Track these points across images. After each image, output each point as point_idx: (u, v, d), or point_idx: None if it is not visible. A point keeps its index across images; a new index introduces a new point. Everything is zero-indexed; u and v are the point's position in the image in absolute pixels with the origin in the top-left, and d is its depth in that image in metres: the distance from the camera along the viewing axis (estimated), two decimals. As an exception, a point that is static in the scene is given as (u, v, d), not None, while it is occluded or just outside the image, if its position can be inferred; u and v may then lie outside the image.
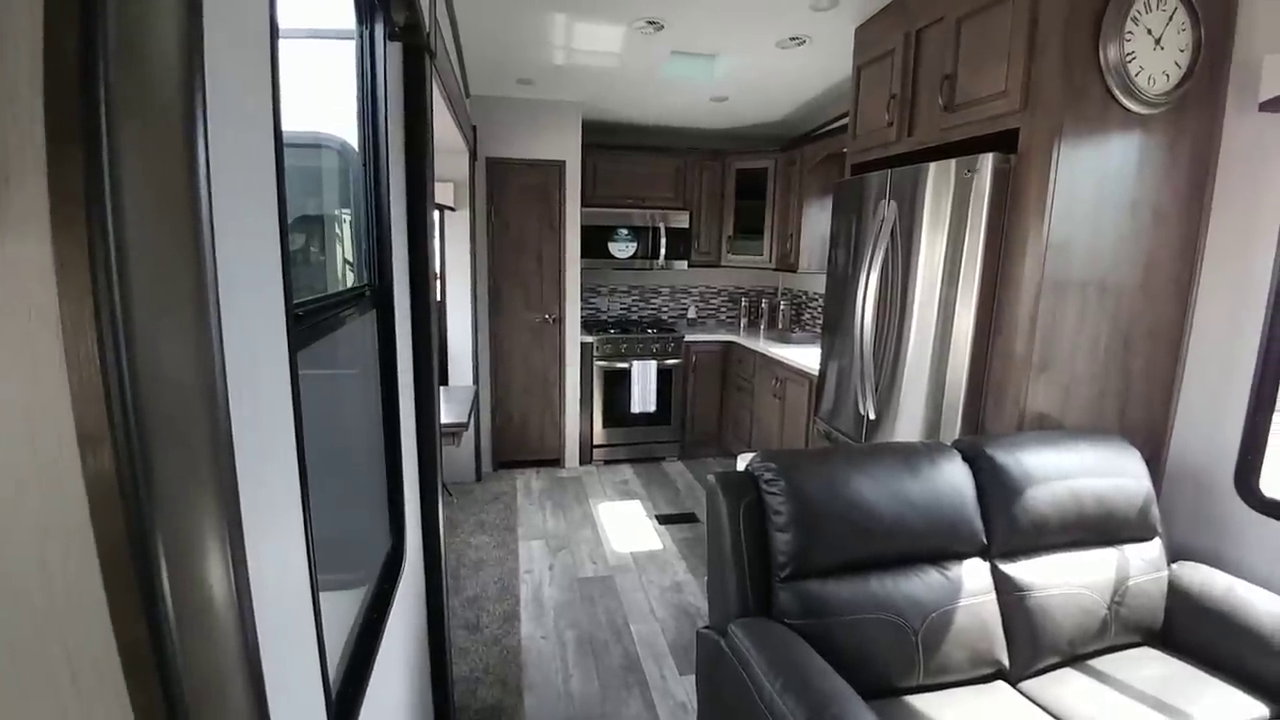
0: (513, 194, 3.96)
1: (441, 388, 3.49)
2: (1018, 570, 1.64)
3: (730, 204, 4.53)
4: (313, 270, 1.42)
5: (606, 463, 4.42)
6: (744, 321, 4.87)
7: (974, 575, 1.60)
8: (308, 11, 1.34)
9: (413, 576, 1.70)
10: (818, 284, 4.18)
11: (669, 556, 3.09)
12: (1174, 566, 1.80)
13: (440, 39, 2.00)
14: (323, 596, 1.17)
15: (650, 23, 2.69)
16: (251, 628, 0.50)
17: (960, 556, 1.62)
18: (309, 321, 1.00)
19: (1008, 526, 1.64)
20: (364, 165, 1.40)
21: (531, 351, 4.16)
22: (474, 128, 3.69)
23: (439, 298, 3.79)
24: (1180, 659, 1.67)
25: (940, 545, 1.60)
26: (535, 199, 4.00)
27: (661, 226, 4.39)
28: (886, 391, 2.38)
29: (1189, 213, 1.97)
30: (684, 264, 4.52)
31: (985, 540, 1.64)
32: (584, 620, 2.56)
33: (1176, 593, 1.75)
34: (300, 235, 1.44)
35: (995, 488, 1.66)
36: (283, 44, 0.75)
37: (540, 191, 4.00)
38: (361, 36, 1.40)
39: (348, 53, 1.39)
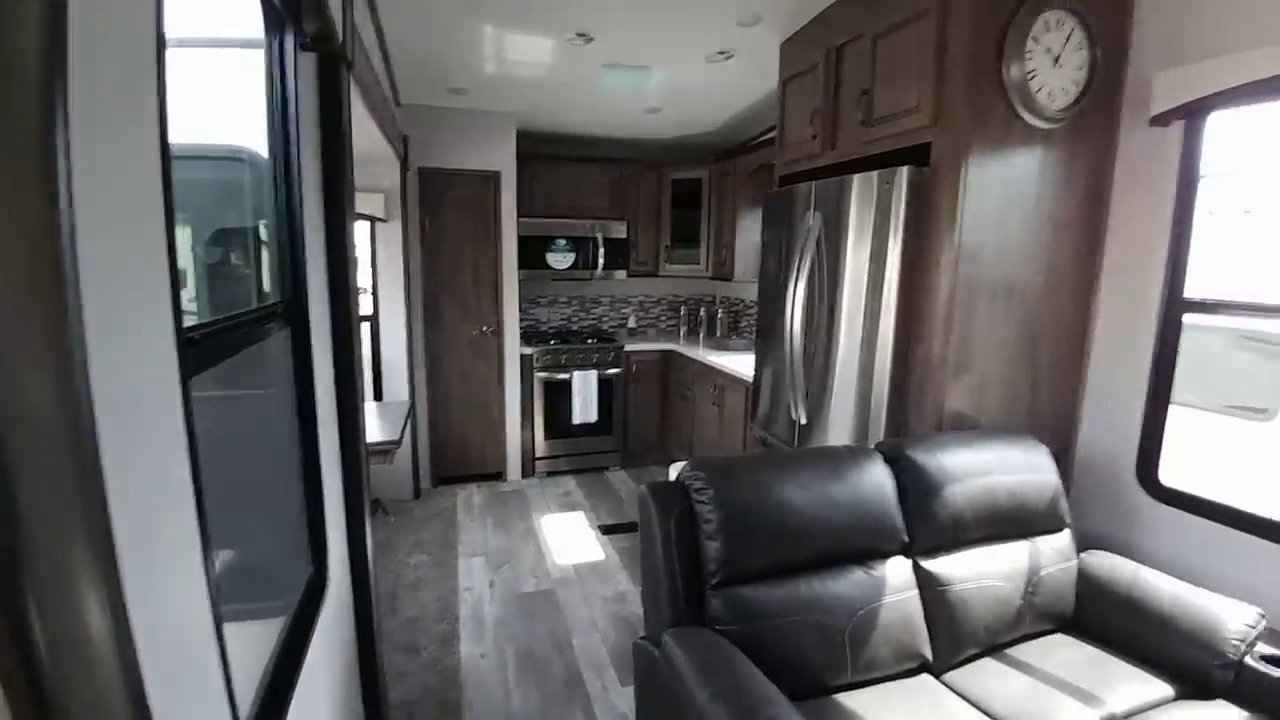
0: (447, 204, 3.89)
1: (375, 404, 3.39)
2: (938, 566, 1.71)
3: (667, 214, 4.59)
4: (237, 286, 1.35)
5: (549, 474, 4.38)
6: (683, 330, 4.93)
7: (897, 573, 1.66)
8: (215, 21, 1.29)
9: (338, 602, 1.63)
10: (753, 292, 4.26)
11: (611, 567, 3.08)
12: (1083, 555, 1.91)
13: (361, 48, 1.95)
14: (233, 627, 1.11)
15: (580, 35, 2.70)
16: (132, 660, 0.50)
17: (884, 555, 1.68)
18: (207, 345, 0.95)
19: (927, 524, 1.71)
20: (274, 178, 1.35)
21: (470, 364, 4.08)
22: (405, 137, 3.61)
23: (371, 311, 3.68)
24: (1091, 644, 1.76)
25: (865, 545, 1.65)
26: (471, 209, 3.94)
27: (599, 236, 4.40)
28: (817, 397, 2.45)
29: (1089, 221, 2.11)
30: (623, 274, 4.54)
31: (907, 538, 1.70)
32: (525, 636, 2.52)
33: (1086, 581, 1.86)
34: (219, 249, 1.37)
35: (915, 488, 1.72)
36: (187, 54, 0.72)
37: (476, 202, 3.94)
38: (270, 46, 1.35)
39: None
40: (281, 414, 1.37)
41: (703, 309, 4.90)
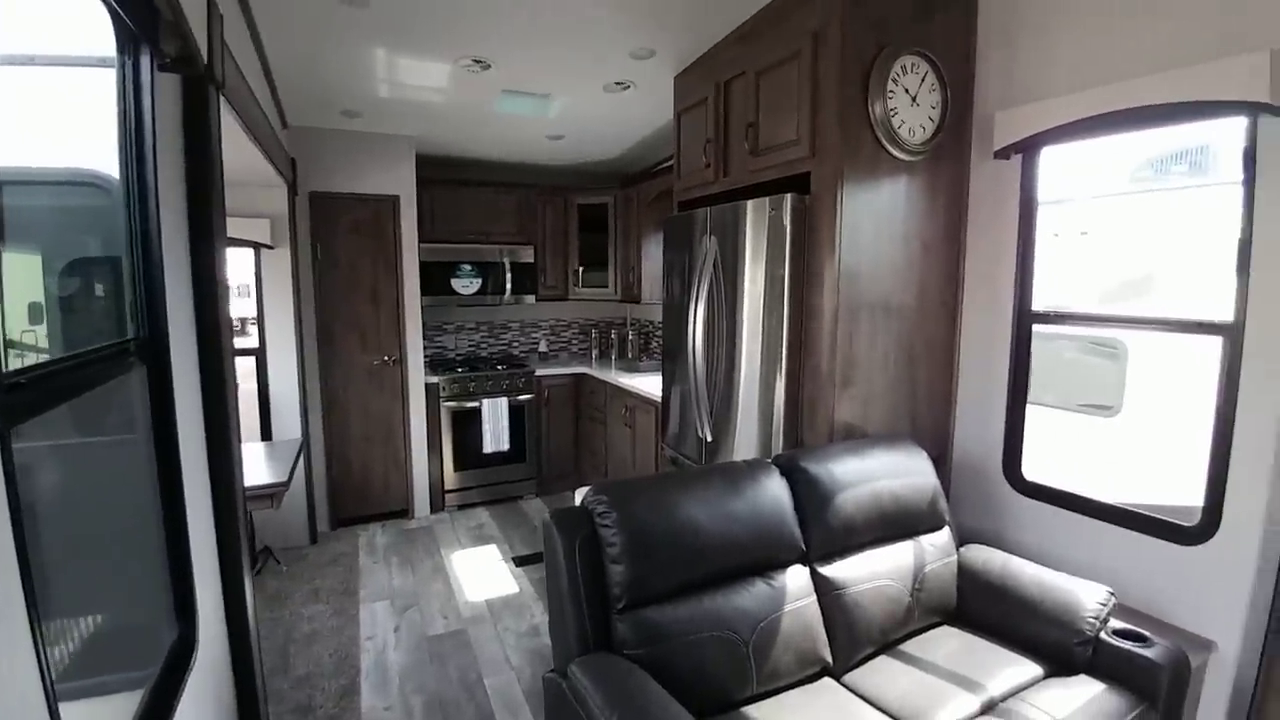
0: (342, 230, 3.73)
1: (262, 445, 3.16)
2: (833, 570, 1.79)
3: (575, 238, 4.61)
4: (104, 321, 1.23)
5: (460, 508, 4.23)
6: (595, 353, 4.94)
7: (796, 581, 1.72)
8: (70, 40, 1.19)
9: (213, 665, 1.50)
10: (660, 314, 4.36)
11: (526, 599, 3.00)
12: (962, 550, 2.06)
13: (236, 68, 1.85)
14: (80, 705, 1.00)
15: (476, 61, 2.69)
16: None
17: (783, 565, 1.73)
18: (38, 389, 0.87)
19: (822, 531, 1.79)
20: (126, 204, 1.25)
21: (370, 396, 3.90)
22: (293, 160, 3.44)
23: (257, 344, 3.45)
24: (972, 633, 1.89)
25: (765, 556, 1.70)
26: (368, 235, 3.79)
27: (507, 261, 4.35)
28: (722, 414, 2.51)
29: (950, 244, 2.31)
30: (531, 298, 4.51)
31: (804, 546, 1.77)
32: (433, 682, 2.39)
33: (964, 573, 2.00)
34: (75, 280, 1.25)
35: (810, 497, 1.80)
36: (33, 73, 0.67)
37: (373, 227, 3.80)
38: (123, 66, 1.26)
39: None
40: (139, 460, 1.25)
41: (614, 332, 4.94)
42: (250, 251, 3.36)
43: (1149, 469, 2.36)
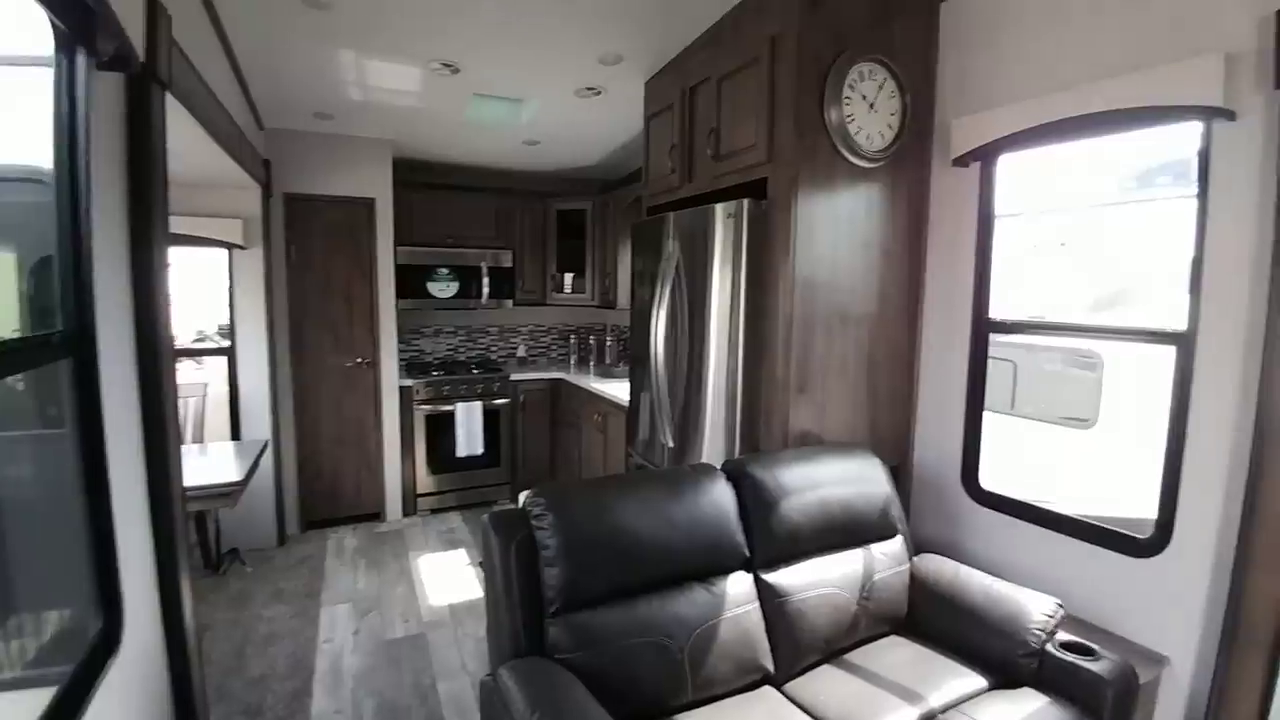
0: (317, 231, 3.73)
1: (231, 444, 3.15)
2: (778, 577, 1.78)
3: (553, 244, 4.62)
4: (33, 310, 1.23)
5: (433, 512, 4.21)
6: (574, 358, 4.94)
7: (738, 586, 1.71)
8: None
9: (143, 662, 1.48)
10: (640, 319, 4.37)
11: (490, 603, 2.98)
12: (915, 559, 2.04)
13: (187, 67, 1.86)
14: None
15: (445, 65, 2.71)
16: None
17: (726, 571, 1.72)
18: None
19: (767, 537, 1.78)
20: (57, 199, 1.25)
21: (344, 398, 3.89)
22: (266, 162, 3.45)
23: (228, 344, 3.44)
24: (921, 643, 1.87)
25: (706, 562, 1.69)
26: (343, 237, 3.80)
27: (484, 266, 4.36)
28: (684, 420, 2.50)
29: (911, 251, 2.31)
30: (509, 303, 4.52)
31: (748, 553, 1.76)
32: (387, 687, 2.37)
33: (916, 583, 1.98)
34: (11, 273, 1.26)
35: (755, 503, 1.79)
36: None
37: (348, 229, 3.81)
38: (59, 65, 1.27)
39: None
40: (65, 454, 1.25)
41: (592, 337, 4.94)
42: (224, 252, 3.36)
43: (1120, 481, 2.35)
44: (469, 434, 4.12)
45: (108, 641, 1.31)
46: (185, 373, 3.54)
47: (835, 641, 1.81)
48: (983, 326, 2.19)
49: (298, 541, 3.68)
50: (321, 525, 3.90)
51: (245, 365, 3.44)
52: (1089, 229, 2.80)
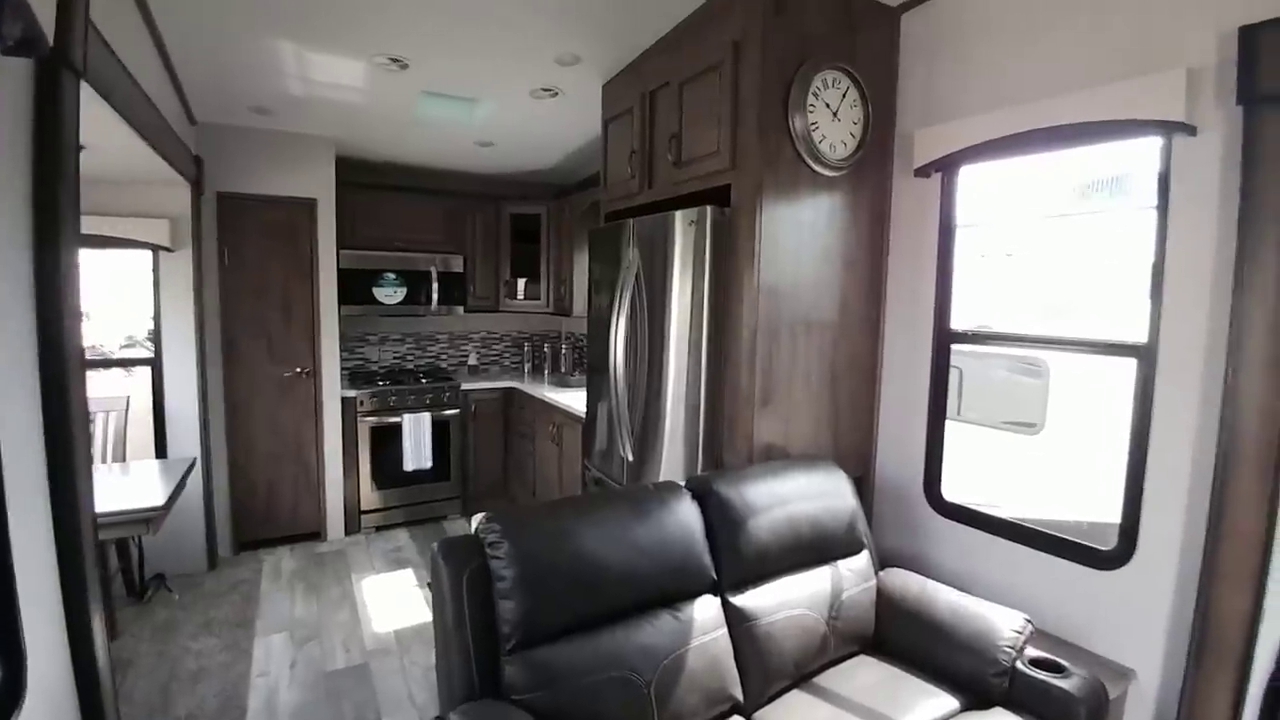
0: (252, 233, 3.49)
1: (156, 462, 2.90)
2: (746, 600, 1.71)
3: (506, 248, 4.48)
4: None
5: (379, 529, 4.00)
6: (528, 367, 4.80)
7: (705, 612, 1.63)
8: None
9: (49, 714, 1.29)
10: (597, 327, 4.28)
11: (440, 628, 2.82)
12: (881, 574, 2.01)
13: (106, 54, 1.67)
14: None
15: (393, 60, 2.56)
16: None
17: (692, 595, 1.64)
18: None
19: (734, 558, 1.71)
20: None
21: (280, 411, 3.65)
22: (197, 158, 3.21)
23: (152, 354, 3.17)
24: (890, 663, 1.83)
25: (673, 587, 1.61)
26: (281, 239, 3.57)
27: (434, 270, 4.18)
28: (644, 433, 2.42)
29: (872, 260, 2.29)
30: (460, 309, 4.35)
31: (715, 575, 1.69)
32: (326, 724, 2.20)
33: (883, 599, 1.94)
34: None
35: (722, 522, 1.72)
36: None
37: (286, 231, 3.58)
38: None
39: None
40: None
41: (546, 345, 4.82)
42: (147, 254, 3.10)
43: (1069, 485, 2.38)
44: (417, 446, 3.93)
45: (11, 693, 1.14)
46: (104, 385, 3.26)
47: (804, 665, 1.75)
48: (944, 337, 2.19)
49: (230, 564, 3.41)
50: (256, 546, 3.64)
51: (171, 376, 3.17)
52: (1035, 240, 2.86)
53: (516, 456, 4.32)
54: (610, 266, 2.63)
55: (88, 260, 3.34)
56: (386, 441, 3.91)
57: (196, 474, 3.15)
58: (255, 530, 3.64)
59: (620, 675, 1.44)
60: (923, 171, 2.14)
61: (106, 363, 3.38)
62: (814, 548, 1.87)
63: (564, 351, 4.61)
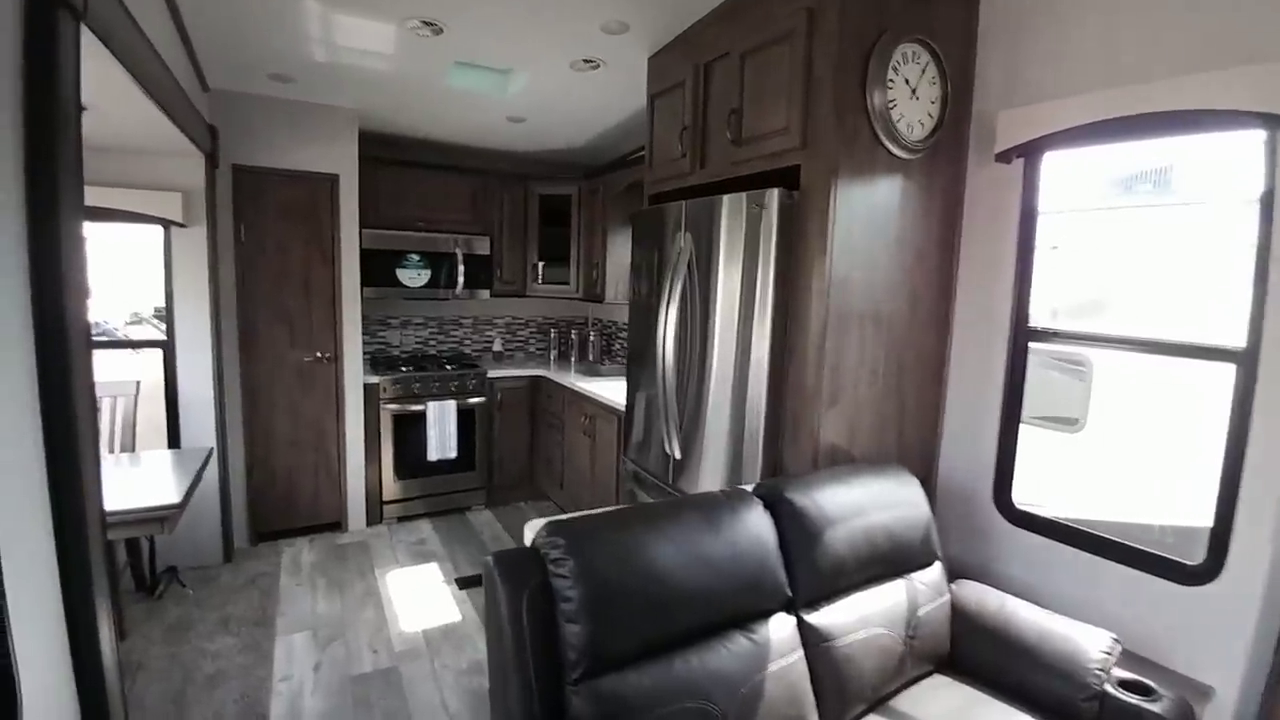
0: (271, 210, 3.33)
1: (170, 452, 2.76)
2: (821, 618, 1.57)
3: (534, 230, 4.31)
4: None
5: (400, 520, 3.87)
6: (554, 354, 4.64)
7: (780, 631, 1.49)
8: None
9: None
10: (625, 314, 4.11)
11: (469, 629, 2.70)
12: (953, 587, 1.87)
13: (117, 5, 1.51)
14: None
15: (426, 24, 2.38)
16: None
17: (766, 614, 1.50)
18: None
19: (810, 573, 1.57)
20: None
21: (300, 397, 3.50)
22: (212, 128, 3.04)
23: (165, 336, 3.02)
24: (968, 683, 1.71)
25: (746, 605, 1.46)
26: (301, 217, 3.40)
27: (459, 253, 4.01)
28: (691, 428, 2.28)
29: (944, 251, 2.13)
30: (486, 293, 4.19)
31: (790, 592, 1.54)
32: (355, 732, 2.08)
33: (958, 615, 1.81)
34: None
35: (796, 534, 1.58)
36: None
37: (307, 208, 3.41)
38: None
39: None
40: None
41: (574, 332, 4.66)
42: (159, 229, 2.94)
43: (1115, 484, 2.30)
44: (441, 435, 3.79)
45: (7, 702, 1.00)
46: (111, 367, 3.12)
47: (881, 688, 1.62)
48: (1023, 334, 2.03)
49: (247, 556, 3.29)
50: (274, 537, 3.51)
51: (185, 360, 3.02)
52: (1080, 233, 2.73)
53: (544, 447, 4.17)
54: (656, 251, 2.46)
55: (91, 232, 3.19)
56: (409, 430, 3.77)
57: (211, 463, 3.02)
58: (273, 520, 3.51)
59: (696, 706, 1.29)
60: (1004, 156, 1.96)
61: (114, 344, 3.23)
62: (889, 560, 1.74)
63: (593, 339, 4.44)
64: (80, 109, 1.21)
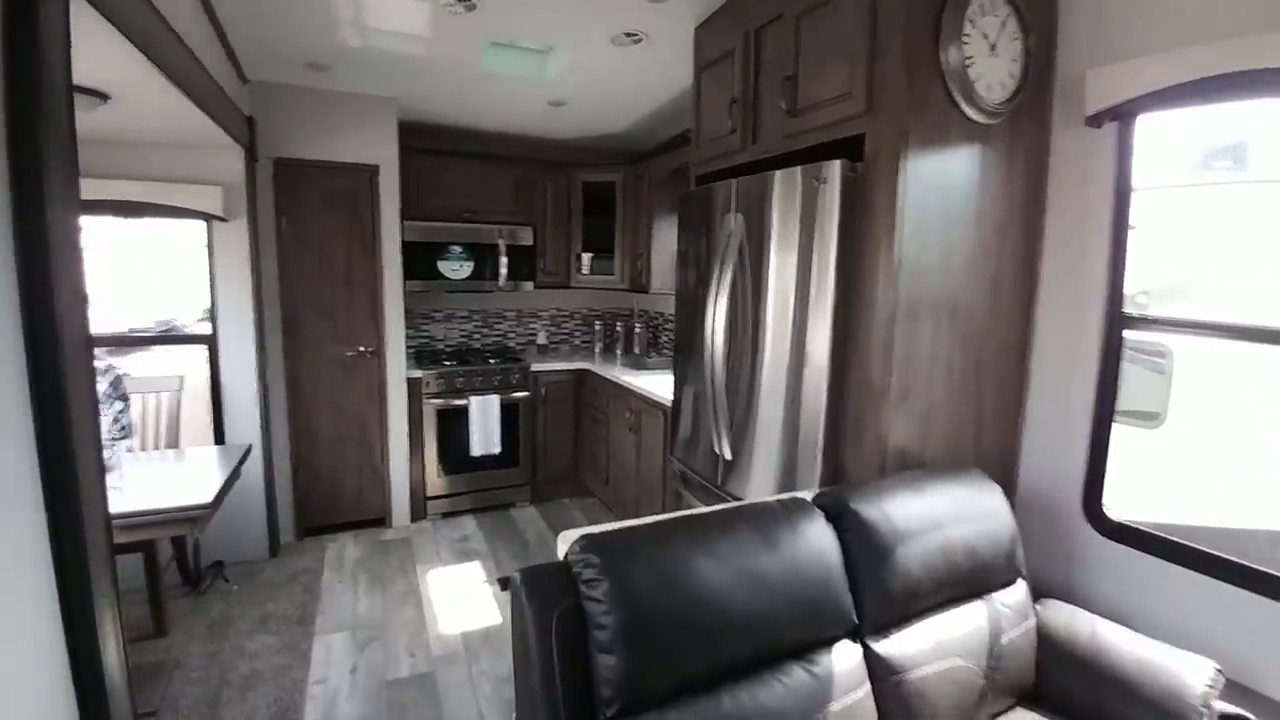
0: (312, 202, 3.30)
1: (214, 449, 2.76)
2: (891, 647, 1.38)
3: (578, 220, 4.18)
4: None
5: (445, 516, 3.82)
6: (599, 347, 4.51)
7: (844, 663, 1.31)
8: None
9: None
10: (672, 305, 3.95)
11: (509, 633, 2.59)
12: (1039, 608, 1.65)
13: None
14: None
15: (459, 0, 2.26)
16: None
17: (828, 643, 1.32)
18: None
19: (879, 596, 1.38)
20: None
21: (343, 392, 3.48)
22: (250, 119, 3.01)
23: (210, 331, 3.03)
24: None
25: (805, 633, 1.29)
26: (342, 209, 3.36)
27: (502, 244, 3.92)
28: (743, 427, 2.10)
29: (1027, 228, 1.88)
30: (530, 285, 4.09)
31: (855, 617, 1.36)
32: (389, 742, 2.00)
33: (1045, 641, 1.59)
34: None
35: (864, 550, 1.39)
36: None
37: (348, 200, 3.37)
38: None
39: None
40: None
41: (619, 324, 4.51)
42: (201, 224, 2.94)
43: (1200, 484, 2.11)
44: (485, 431, 3.72)
45: None
46: (155, 364, 3.15)
47: (960, 728, 1.42)
48: (1117, 322, 1.77)
49: (292, 552, 3.29)
50: (319, 532, 3.51)
51: (229, 355, 3.02)
52: (1160, 211, 2.45)
53: (589, 443, 4.06)
54: (704, 236, 2.29)
55: (151, 228, 3.24)
56: (453, 425, 3.71)
57: (256, 458, 3.02)
58: (319, 516, 3.51)
59: (749, 752, 1.13)
60: (1095, 120, 1.71)
61: (157, 339, 3.25)
62: (968, 580, 1.53)
63: (638, 331, 4.29)
64: (71, 90, 1.12)
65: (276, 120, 3.14)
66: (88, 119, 2.11)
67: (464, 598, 2.88)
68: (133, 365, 3.50)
